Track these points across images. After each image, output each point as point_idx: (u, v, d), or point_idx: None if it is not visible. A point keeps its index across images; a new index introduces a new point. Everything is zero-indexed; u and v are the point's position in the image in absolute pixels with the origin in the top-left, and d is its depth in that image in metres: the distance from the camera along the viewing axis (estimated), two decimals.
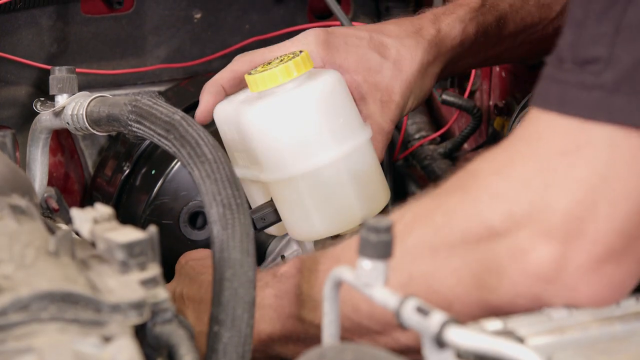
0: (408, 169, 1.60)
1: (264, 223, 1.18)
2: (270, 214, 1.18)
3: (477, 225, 0.86)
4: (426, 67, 1.25)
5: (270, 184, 1.16)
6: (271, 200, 1.18)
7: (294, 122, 1.12)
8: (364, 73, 1.22)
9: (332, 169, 1.13)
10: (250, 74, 1.14)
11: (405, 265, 0.89)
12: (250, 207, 1.21)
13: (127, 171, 1.39)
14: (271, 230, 1.22)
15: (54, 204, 1.25)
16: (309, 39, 1.21)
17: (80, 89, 1.19)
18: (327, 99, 1.13)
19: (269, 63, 1.16)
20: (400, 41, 1.24)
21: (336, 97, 1.15)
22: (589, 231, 0.82)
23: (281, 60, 1.14)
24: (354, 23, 1.47)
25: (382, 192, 1.19)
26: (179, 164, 1.34)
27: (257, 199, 1.21)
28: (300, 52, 1.14)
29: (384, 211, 1.19)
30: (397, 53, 1.23)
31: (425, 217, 0.91)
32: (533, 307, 0.84)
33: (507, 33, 1.30)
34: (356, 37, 1.24)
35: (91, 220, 0.83)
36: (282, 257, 1.30)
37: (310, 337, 1.01)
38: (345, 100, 1.16)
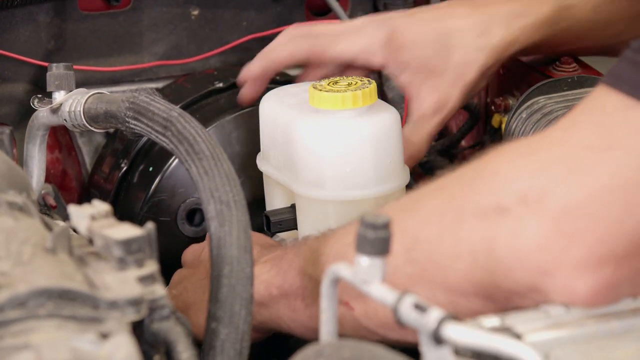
0: None
1: (279, 227, 1.19)
2: (289, 220, 1.18)
3: (488, 201, 0.85)
4: (486, 72, 1.27)
5: (298, 195, 1.16)
6: (292, 207, 1.18)
7: (346, 150, 1.13)
8: (425, 74, 1.23)
9: (365, 205, 1.13)
10: (315, 87, 1.14)
11: (412, 228, 0.90)
12: (253, 201, 1.21)
13: (124, 168, 1.39)
14: (280, 234, 1.22)
15: (51, 201, 1.25)
16: (375, 32, 1.23)
17: (77, 86, 1.19)
18: (382, 138, 1.14)
19: (336, 82, 1.15)
20: (467, 44, 1.25)
21: (391, 137, 1.15)
22: (597, 230, 0.80)
23: (349, 84, 1.14)
24: None
25: None
26: (176, 160, 1.34)
27: (276, 200, 1.22)
28: (369, 82, 1.14)
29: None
30: (462, 58, 1.24)
31: (444, 187, 0.92)
32: (528, 300, 0.84)
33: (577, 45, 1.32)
34: (423, 38, 1.24)
35: (89, 217, 0.83)
36: None
37: (308, 293, 1.01)
38: (397, 142, 1.16)
